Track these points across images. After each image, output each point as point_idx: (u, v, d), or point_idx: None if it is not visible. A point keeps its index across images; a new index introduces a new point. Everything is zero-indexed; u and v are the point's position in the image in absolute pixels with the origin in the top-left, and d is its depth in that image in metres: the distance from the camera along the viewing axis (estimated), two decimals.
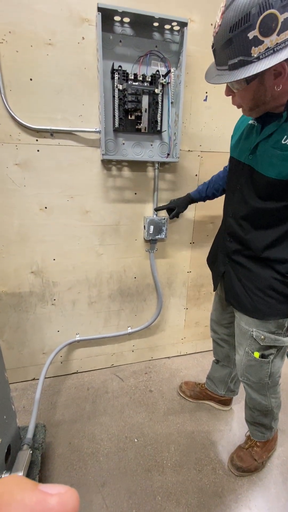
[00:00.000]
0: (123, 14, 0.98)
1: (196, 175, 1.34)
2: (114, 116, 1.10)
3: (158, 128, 1.16)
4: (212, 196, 1.14)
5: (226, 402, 1.33)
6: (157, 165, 1.23)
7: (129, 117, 1.12)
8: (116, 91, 1.06)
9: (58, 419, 1.27)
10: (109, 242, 1.33)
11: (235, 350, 1.01)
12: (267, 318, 0.84)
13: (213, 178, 1.11)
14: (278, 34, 0.54)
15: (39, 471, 0.95)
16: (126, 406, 1.35)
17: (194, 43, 1.13)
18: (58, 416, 1.28)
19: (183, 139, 1.25)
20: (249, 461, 1.07)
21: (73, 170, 1.17)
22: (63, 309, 1.38)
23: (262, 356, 0.89)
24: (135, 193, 1.28)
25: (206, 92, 1.22)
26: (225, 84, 0.70)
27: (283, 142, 0.69)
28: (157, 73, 1.09)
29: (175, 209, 1.18)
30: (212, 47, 0.65)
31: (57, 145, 1.12)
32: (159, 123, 1.15)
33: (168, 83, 1.12)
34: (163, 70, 1.12)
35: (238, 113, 0.84)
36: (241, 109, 0.76)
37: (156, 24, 1.04)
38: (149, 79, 1.09)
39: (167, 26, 1.06)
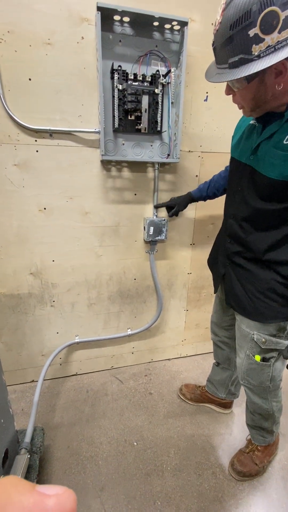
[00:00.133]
0: (123, 13, 0.97)
1: (197, 175, 1.33)
2: (113, 116, 1.09)
3: (158, 129, 1.15)
4: (213, 196, 1.13)
5: (226, 405, 1.32)
6: (157, 165, 1.22)
7: (129, 117, 1.11)
8: (116, 91, 1.05)
9: (57, 422, 1.26)
10: (108, 243, 1.32)
11: (236, 353, 1.00)
12: (268, 321, 0.82)
13: (215, 178, 1.10)
14: (279, 32, 0.53)
15: (37, 475, 0.93)
16: (126, 409, 1.33)
17: (194, 43, 1.12)
18: (57, 419, 1.27)
19: (183, 139, 1.24)
20: (250, 466, 1.05)
21: (73, 171, 1.16)
22: (62, 310, 1.37)
23: (263, 359, 0.88)
24: (135, 194, 1.27)
25: (207, 92, 1.21)
26: (226, 83, 0.69)
27: (284, 142, 0.68)
28: (157, 73, 1.08)
29: (175, 207, 1.17)
30: (213, 45, 0.64)
31: (56, 145, 1.12)
32: (159, 124, 1.14)
33: (168, 83, 1.12)
34: (163, 70, 1.11)
35: (239, 113, 0.83)
36: (242, 110, 0.75)
37: (156, 23, 1.03)
38: (149, 79, 1.08)
39: (167, 26, 1.05)
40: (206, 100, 1.22)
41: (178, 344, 1.66)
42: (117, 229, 1.31)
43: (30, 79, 1.02)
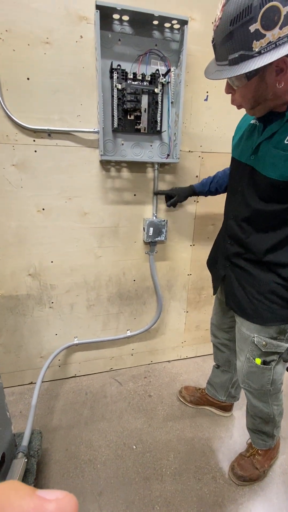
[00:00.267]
0: (122, 12, 0.96)
1: (197, 176, 1.32)
2: (113, 116, 1.08)
3: (158, 128, 1.14)
4: (214, 192, 1.11)
5: (227, 408, 1.30)
6: (156, 166, 1.21)
7: (128, 117, 1.10)
8: (115, 90, 1.04)
9: (55, 425, 1.24)
10: (108, 244, 1.31)
11: (236, 355, 0.98)
12: (268, 324, 0.81)
13: (219, 174, 1.09)
14: (280, 28, 0.52)
15: (34, 479, 0.92)
16: (125, 411, 1.32)
17: (194, 42, 1.11)
18: (55, 422, 1.26)
19: (183, 139, 1.23)
20: (251, 470, 1.04)
21: (71, 171, 1.15)
22: (61, 312, 1.36)
23: (264, 362, 0.86)
24: (134, 195, 1.26)
25: (207, 92, 1.20)
26: (225, 81, 0.68)
27: (285, 142, 0.66)
28: (157, 72, 1.07)
29: (174, 197, 1.15)
30: (212, 41, 0.63)
31: (54, 145, 1.11)
32: (158, 123, 1.13)
33: (168, 82, 1.11)
34: (163, 69, 1.10)
35: (240, 113, 0.82)
36: (241, 108, 0.74)
37: (155, 22, 1.02)
38: (149, 79, 1.07)
39: (167, 25, 1.04)
40: (206, 99, 1.21)
41: (178, 346, 1.64)
42: (117, 230, 1.29)
43: (28, 79, 1.01)
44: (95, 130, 1.10)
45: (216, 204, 1.39)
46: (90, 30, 1.01)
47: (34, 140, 1.08)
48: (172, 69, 1.09)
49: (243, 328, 0.89)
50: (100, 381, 1.49)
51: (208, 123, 1.25)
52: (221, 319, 1.10)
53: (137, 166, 1.22)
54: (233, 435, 1.23)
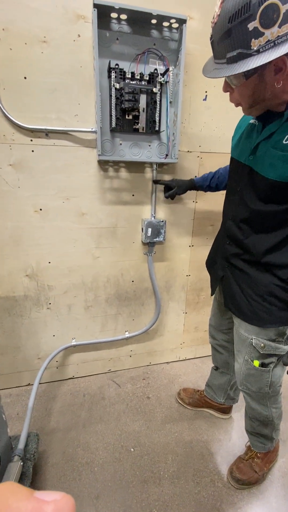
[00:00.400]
0: (120, 10, 0.96)
1: (196, 176, 1.31)
2: (111, 115, 1.07)
3: (156, 128, 1.13)
4: (215, 188, 1.10)
5: (225, 410, 1.29)
6: (155, 166, 1.20)
7: (127, 117, 1.09)
8: (113, 90, 1.04)
9: (53, 427, 1.23)
10: (106, 245, 1.30)
11: (234, 357, 0.97)
12: (267, 326, 0.80)
13: (220, 170, 1.08)
14: (279, 26, 0.51)
15: (30, 483, 0.91)
16: (123, 413, 1.31)
17: (193, 41, 1.10)
18: (52, 424, 1.25)
19: (182, 139, 1.22)
20: (249, 473, 1.03)
21: (69, 171, 1.15)
22: (58, 313, 1.35)
23: (262, 364, 0.86)
24: (133, 195, 1.25)
25: (206, 92, 1.19)
26: (224, 79, 0.67)
27: (284, 142, 0.66)
28: (155, 71, 1.07)
29: (174, 188, 1.13)
30: (211, 38, 0.62)
31: (52, 145, 1.10)
32: (157, 123, 1.12)
33: (166, 82, 1.10)
34: (161, 68, 1.09)
35: (239, 113, 0.81)
36: (240, 107, 0.73)
37: (154, 21, 1.01)
38: (147, 78, 1.06)
39: (165, 24, 1.03)
40: (205, 99, 1.20)
41: (177, 347, 1.64)
42: (115, 231, 1.29)
43: (25, 78, 1.01)
44: (93, 129, 1.09)
45: (215, 204, 1.38)
46: (88, 29, 1.00)
47: (31, 140, 1.08)
48: (170, 68, 1.08)
49: (241, 329, 0.88)
50: (98, 382, 1.48)
51: (207, 123, 1.24)
52: (219, 320, 1.09)
53: (135, 166, 1.21)
54: (232, 437, 1.22)
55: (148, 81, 1.07)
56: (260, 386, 0.89)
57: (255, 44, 0.54)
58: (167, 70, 1.07)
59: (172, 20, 1.01)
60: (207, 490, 1.02)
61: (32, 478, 0.96)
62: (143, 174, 1.24)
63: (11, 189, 1.11)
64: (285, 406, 1.26)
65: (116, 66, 1.02)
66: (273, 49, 0.53)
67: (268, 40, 0.53)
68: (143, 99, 1.08)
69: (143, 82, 1.06)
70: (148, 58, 1.07)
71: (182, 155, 1.25)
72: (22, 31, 0.96)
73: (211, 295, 1.03)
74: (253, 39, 0.53)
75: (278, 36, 0.52)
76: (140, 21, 1.01)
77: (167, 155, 1.20)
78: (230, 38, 0.56)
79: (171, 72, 1.09)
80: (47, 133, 1.08)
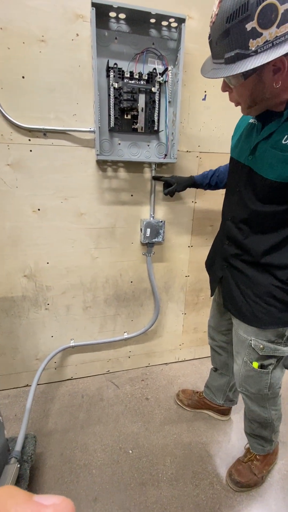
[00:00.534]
0: (119, 9, 0.95)
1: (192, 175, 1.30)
2: (109, 115, 1.07)
3: (155, 128, 1.13)
4: (214, 186, 1.09)
5: (225, 411, 1.29)
6: (154, 166, 1.20)
7: (125, 117, 1.09)
8: (112, 89, 1.03)
9: (51, 428, 1.23)
10: (104, 245, 1.29)
11: (234, 358, 0.97)
12: (266, 327, 0.80)
13: (221, 168, 1.07)
14: (277, 27, 0.51)
15: (27, 486, 0.91)
16: (121, 415, 1.30)
17: (192, 41, 1.10)
18: (50, 425, 1.24)
19: (181, 139, 1.22)
20: (248, 476, 1.02)
21: (67, 171, 1.14)
22: (57, 314, 1.35)
23: (261, 366, 0.85)
24: (132, 195, 1.25)
25: (205, 91, 1.19)
26: (222, 79, 0.67)
27: (283, 142, 0.65)
28: (154, 71, 1.06)
29: (173, 184, 1.11)
30: (209, 38, 0.61)
31: (50, 145, 1.09)
32: (156, 123, 1.12)
33: (165, 81, 1.09)
34: (160, 68, 1.08)
35: (239, 112, 0.80)
36: (239, 107, 0.72)
37: (153, 20, 1.01)
38: (146, 77, 1.05)
39: (164, 23, 1.03)
40: (204, 99, 1.20)
41: (176, 348, 1.63)
42: (113, 231, 1.28)
43: (23, 77, 1.00)
44: (91, 129, 1.08)
45: (215, 204, 1.38)
46: (86, 28, 1.00)
47: (29, 140, 1.07)
48: (169, 68, 1.08)
49: (240, 330, 0.87)
50: (96, 383, 1.48)
51: (206, 123, 1.23)
52: (218, 321, 1.08)
53: (134, 166, 1.21)
54: (231, 439, 1.22)
55: (147, 81, 1.06)
56: (259, 388, 0.88)
57: (253, 44, 0.53)
58: (166, 70, 1.07)
59: (171, 20, 1.01)
60: (206, 492, 1.01)
61: (30, 480, 0.96)
62: (142, 174, 1.23)
63: (9, 189, 1.11)
64: (284, 408, 1.26)
65: (115, 66, 1.02)
66: (271, 49, 0.53)
67: (266, 41, 0.52)
68: (141, 98, 1.07)
69: (141, 82, 1.06)
70: (147, 58, 1.07)
71: (181, 155, 1.25)
72: (20, 30, 0.95)
73: (211, 296, 1.02)
74: (251, 40, 0.53)
75: (277, 36, 0.51)
76: (138, 20, 1.00)
77: (166, 155, 1.20)
78: (228, 38, 0.55)
79: (170, 71, 1.09)
80: (45, 133, 1.07)
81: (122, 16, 0.99)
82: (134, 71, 1.04)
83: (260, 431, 1.00)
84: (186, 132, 1.22)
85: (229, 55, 0.57)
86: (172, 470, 1.08)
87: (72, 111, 1.08)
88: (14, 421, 1.26)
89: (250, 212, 0.76)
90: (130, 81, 1.04)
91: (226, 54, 0.57)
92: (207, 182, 1.09)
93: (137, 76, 1.04)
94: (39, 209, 1.16)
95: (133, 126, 1.11)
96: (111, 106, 1.05)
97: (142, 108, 1.09)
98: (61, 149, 1.11)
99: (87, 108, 1.08)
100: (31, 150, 1.08)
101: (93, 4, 0.91)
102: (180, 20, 1.01)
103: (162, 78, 1.07)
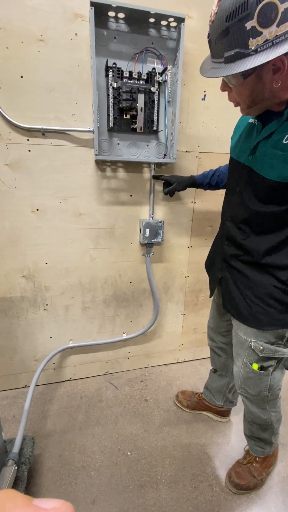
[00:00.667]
0: (118, 9, 0.95)
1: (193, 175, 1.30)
2: (108, 115, 1.06)
3: (155, 128, 1.12)
4: (215, 186, 1.09)
5: (224, 413, 1.28)
6: (153, 166, 1.19)
7: (124, 116, 1.08)
8: (111, 89, 1.03)
9: (49, 430, 1.22)
10: (103, 245, 1.29)
11: (233, 360, 0.96)
12: (266, 328, 0.79)
13: (221, 168, 1.06)
14: (277, 26, 0.50)
15: (25, 488, 0.90)
16: (120, 416, 1.30)
17: (192, 40, 1.10)
18: (49, 426, 1.24)
19: (180, 139, 1.21)
20: (248, 478, 1.01)
21: (66, 171, 1.14)
22: (55, 314, 1.34)
23: (261, 368, 0.84)
24: (131, 195, 1.24)
25: (205, 91, 1.18)
26: (221, 78, 0.66)
27: (284, 141, 0.65)
28: (153, 70, 1.06)
29: (173, 184, 1.10)
30: (208, 37, 0.61)
31: (49, 145, 1.09)
32: (155, 123, 1.11)
33: (164, 81, 1.09)
34: (159, 67, 1.08)
35: (238, 112, 0.80)
36: (239, 108, 0.72)
37: (152, 20, 1.00)
38: (145, 77, 1.05)
39: (163, 22, 1.02)
40: (204, 99, 1.19)
41: (175, 349, 1.62)
42: (112, 231, 1.28)
43: (22, 77, 1.00)
44: (90, 129, 1.08)
45: (215, 204, 1.37)
46: (85, 27, 1.00)
47: (28, 140, 1.07)
48: (168, 67, 1.08)
49: (240, 332, 0.87)
50: (95, 384, 1.47)
51: (205, 123, 1.23)
52: (218, 322, 1.08)
53: (133, 166, 1.20)
54: (231, 441, 1.21)
55: (146, 80, 1.06)
56: (259, 390, 0.88)
57: (252, 43, 0.53)
58: (165, 69, 1.06)
59: (170, 19, 1.00)
60: (204, 495, 1.01)
61: (27, 482, 0.95)
62: (141, 174, 1.23)
63: (8, 189, 1.10)
64: (284, 409, 1.25)
65: (114, 65, 1.01)
66: (271, 48, 0.52)
67: (266, 40, 0.52)
68: (141, 98, 1.07)
69: (141, 81, 1.05)
70: (146, 57, 1.06)
71: (181, 155, 1.24)
72: (19, 30, 0.95)
73: (210, 296, 1.02)
74: (250, 39, 0.52)
75: (276, 35, 0.51)
76: (138, 19, 1.00)
77: (165, 155, 1.19)
78: (228, 37, 0.55)
79: (169, 71, 1.08)
80: (44, 133, 1.07)
81: (121, 15, 0.98)
82: (133, 71, 1.04)
83: (260, 433, 0.99)
84: (185, 132, 1.22)
85: (228, 54, 0.56)
86: (171, 472, 1.07)
87: (71, 111, 1.07)
88: (12, 422, 1.25)
89: (251, 212, 0.75)
90: (129, 81, 1.04)
91: (226, 53, 0.57)
92: (207, 181, 1.09)
93: (136, 76, 1.04)
94: (38, 209, 1.16)
95: (132, 126, 1.11)
96: (110, 106, 1.05)
97: (141, 108, 1.08)
98: (60, 149, 1.10)
99: (86, 107, 1.08)
100: (29, 150, 1.08)
101: (92, 4, 0.90)
102: (180, 20, 1.00)
103: (161, 77, 1.07)
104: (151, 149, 1.18)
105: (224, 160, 1.05)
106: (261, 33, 0.51)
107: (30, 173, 1.10)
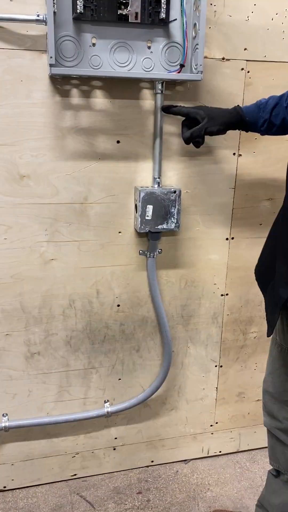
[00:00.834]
0: None
1: (239, 105, 1.31)
2: None
3: (162, 16, 1.12)
4: (279, 126, 1.08)
5: None
6: (160, 86, 1.20)
7: None
8: None
9: None
10: (66, 236, 1.30)
11: None
12: None
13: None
14: None
15: None
16: None
17: None
18: None
19: (211, 36, 1.23)
20: None
21: None
22: None
23: None
24: (118, 141, 1.26)
25: None
26: None
27: None
28: None
29: (201, 122, 1.10)
30: None
31: None
32: (163, 6, 1.12)
33: None
34: None
35: None
36: None
37: None
38: None
39: None
40: None
41: (204, 432, 1.65)
42: (83, 209, 1.29)
43: None
44: (40, 17, 1.08)
45: (277, 161, 1.38)
46: None
47: None
48: None
49: None
50: (52, 499, 1.49)
51: (259, 5, 1.24)
52: (282, 383, 1.08)
53: (121, 87, 1.22)
54: None
55: None
56: None
57: None
58: None
59: None
60: None
61: None
62: (136, 101, 1.25)
63: None
64: None
65: None
66: None
67: None
68: None
69: None
70: None
71: (212, 65, 1.26)
72: None
73: (268, 335, 1.02)
74: None
75: None
76: None
77: (183, 65, 1.19)
78: None
79: None
80: None
81: None
82: None
83: None
84: (220, 22, 1.23)
85: None
86: None
87: None
88: None
89: None
90: None
91: None
92: (266, 118, 1.09)
93: None
94: None
95: (119, 11, 1.11)
96: None
97: None
98: None
99: None
100: None
101: None
102: None
103: None
104: (155, 55, 1.19)
105: None
106: None
107: None
